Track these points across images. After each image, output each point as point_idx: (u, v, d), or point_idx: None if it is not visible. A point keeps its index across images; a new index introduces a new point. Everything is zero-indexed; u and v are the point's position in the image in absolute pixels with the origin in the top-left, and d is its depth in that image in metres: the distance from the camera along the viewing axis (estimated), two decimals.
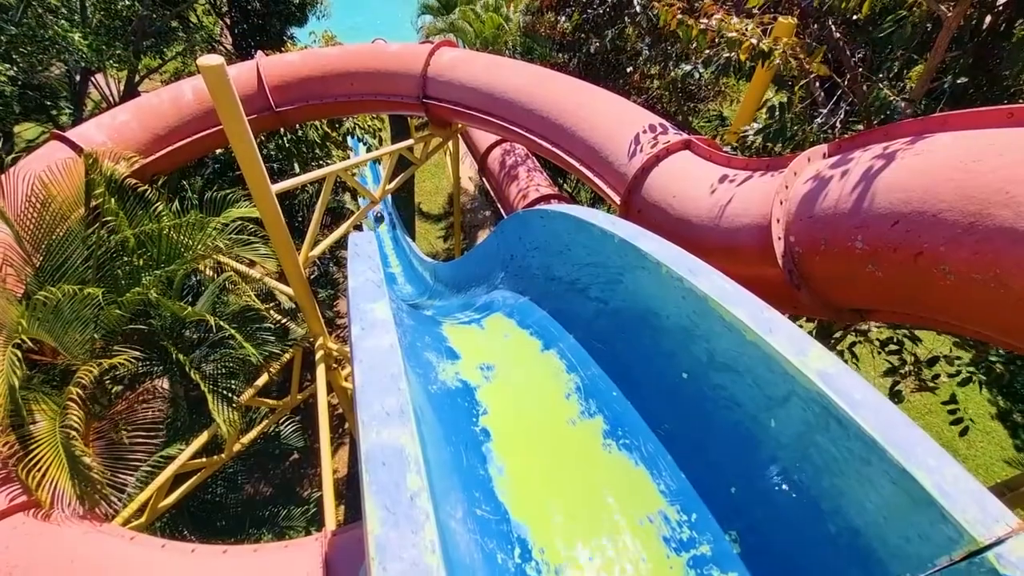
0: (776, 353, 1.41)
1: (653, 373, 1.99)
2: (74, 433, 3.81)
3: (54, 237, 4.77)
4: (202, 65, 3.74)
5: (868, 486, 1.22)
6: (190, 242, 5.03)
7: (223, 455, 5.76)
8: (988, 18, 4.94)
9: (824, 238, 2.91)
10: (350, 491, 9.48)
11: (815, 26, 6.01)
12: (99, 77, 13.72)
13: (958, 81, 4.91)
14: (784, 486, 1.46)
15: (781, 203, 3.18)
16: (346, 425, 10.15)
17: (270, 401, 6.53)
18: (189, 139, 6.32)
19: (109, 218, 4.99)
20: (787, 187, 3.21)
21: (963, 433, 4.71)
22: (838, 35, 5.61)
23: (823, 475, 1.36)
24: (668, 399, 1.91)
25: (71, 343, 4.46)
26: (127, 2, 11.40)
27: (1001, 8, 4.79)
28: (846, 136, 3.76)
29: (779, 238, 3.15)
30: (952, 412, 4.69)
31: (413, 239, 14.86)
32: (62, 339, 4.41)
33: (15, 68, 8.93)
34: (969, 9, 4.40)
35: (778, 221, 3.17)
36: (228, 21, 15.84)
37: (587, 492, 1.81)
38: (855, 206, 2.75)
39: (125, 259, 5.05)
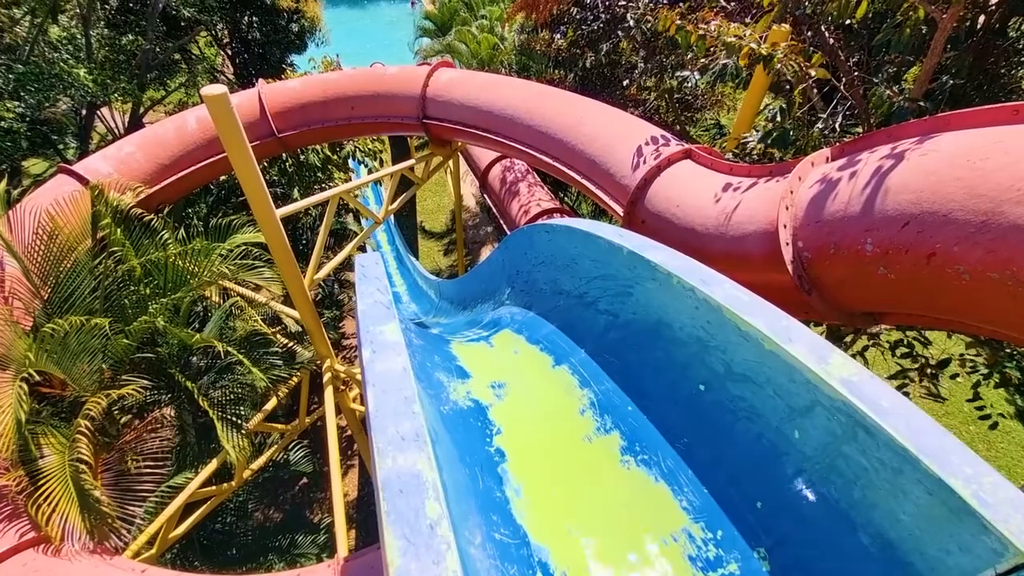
0: (797, 362, 1.38)
1: (668, 386, 1.95)
2: (83, 467, 3.78)
3: (61, 269, 4.79)
4: (206, 94, 3.79)
5: (902, 497, 1.18)
6: (196, 269, 5.05)
7: (232, 483, 5.70)
8: (982, 18, 4.96)
9: (833, 242, 2.88)
10: (360, 514, 9.35)
11: (809, 33, 6.06)
12: (104, 111, 13.99)
13: (956, 81, 4.91)
14: (812, 499, 1.41)
15: (787, 208, 3.16)
16: (355, 447, 10.06)
17: (279, 426, 6.49)
18: (194, 167, 6.39)
19: (115, 248, 5.02)
20: (792, 192, 3.19)
21: (993, 427, 4.66)
22: (832, 40, 5.65)
23: (853, 487, 1.31)
24: (685, 412, 1.87)
25: (79, 375, 4.46)
26: (131, 37, 11.67)
27: (994, 8, 4.82)
28: (848, 139, 3.75)
29: (787, 244, 3.12)
30: (979, 408, 4.65)
31: (416, 257, 14.90)
32: (70, 371, 4.41)
33: (23, 105, 9.10)
34: (963, 10, 4.43)
35: (785, 227, 3.14)
36: (229, 51, 16.17)
37: (607, 511, 1.76)
38: (863, 209, 2.72)
39: (132, 288, 5.06)
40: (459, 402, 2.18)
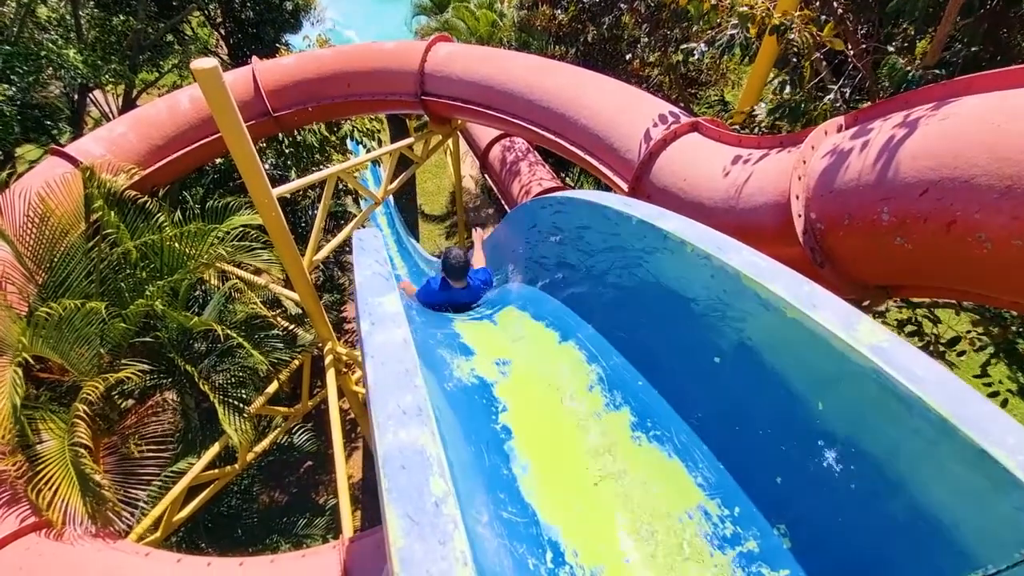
0: (822, 329, 1.29)
1: (682, 359, 1.88)
2: (83, 451, 3.75)
3: (55, 253, 4.71)
4: (196, 68, 3.65)
5: (938, 470, 1.10)
6: (193, 251, 4.96)
7: (236, 465, 5.70)
8: None
9: (847, 212, 2.78)
10: (365, 496, 9.41)
11: (817, 3, 5.88)
12: (98, 95, 13.75)
13: (971, 49, 4.75)
14: (836, 474, 1.34)
15: (799, 178, 3.06)
16: (359, 429, 10.09)
17: (281, 409, 6.47)
18: (187, 148, 6.27)
19: (109, 231, 4.93)
20: (805, 162, 3.08)
21: (1003, 405, 4.61)
22: (841, 11, 5.49)
23: (883, 460, 1.24)
24: (700, 386, 1.79)
25: (77, 359, 4.40)
26: (122, 17, 11.40)
27: None
28: (862, 107, 3.62)
29: (799, 215, 3.02)
30: (987, 385, 4.59)
31: (417, 241, 14.78)
32: (68, 355, 4.35)
33: (13, 88, 8.91)
34: None
35: (797, 198, 3.04)
36: (223, 32, 15.82)
37: (618, 488, 1.69)
38: (879, 176, 2.62)
39: (128, 272, 4.98)
40: (463, 379, 2.11)
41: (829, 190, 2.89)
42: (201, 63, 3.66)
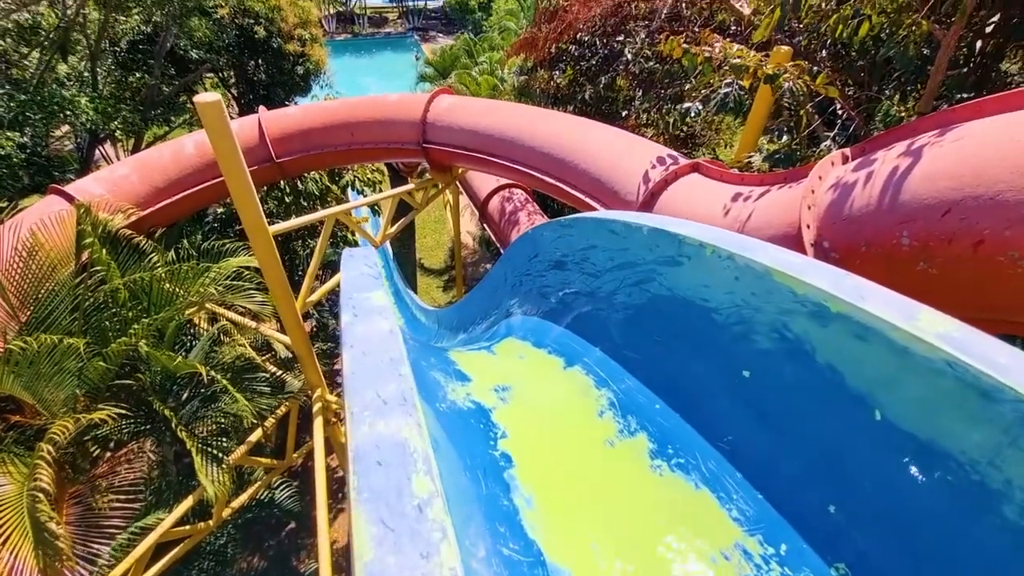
0: (876, 321, 1.12)
1: (705, 377, 1.68)
2: (42, 497, 3.42)
3: (41, 290, 4.56)
4: (198, 101, 3.65)
5: None
6: (182, 291, 4.81)
7: (210, 522, 5.25)
8: (980, 42, 4.99)
9: (864, 239, 2.67)
10: (351, 563, 8.69)
11: (807, 63, 6.13)
12: (109, 149, 14.13)
13: (963, 96, 4.87)
14: (907, 494, 1.12)
15: (809, 208, 2.97)
16: (347, 488, 9.51)
17: (263, 460, 6.07)
18: (188, 191, 6.26)
19: (99, 268, 4.80)
20: (814, 191, 3.01)
21: None
22: (827, 68, 5.70)
23: (964, 472, 1.03)
24: (728, 405, 1.59)
25: (50, 400, 4.15)
26: (138, 75, 11.92)
27: (989, 33, 4.85)
28: (869, 138, 3.62)
29: (811, 245, 2.91)
30: None
31: (415, 292, 14.68)
32: (41, 395, 4.10)
33: (25, 135, 9.09)
34: (962, 30, 4.44)
35: (808, 227, 2.94)
36: (235, 92, 16.52)
37: (639, 526, 1.45)
38: (896, 200, 2.53)
39: (113, 311, 4.81)
40: (458, 402, 1.89)
41: (842, 217, 2.79)
42: (204, 97, 3.67)
